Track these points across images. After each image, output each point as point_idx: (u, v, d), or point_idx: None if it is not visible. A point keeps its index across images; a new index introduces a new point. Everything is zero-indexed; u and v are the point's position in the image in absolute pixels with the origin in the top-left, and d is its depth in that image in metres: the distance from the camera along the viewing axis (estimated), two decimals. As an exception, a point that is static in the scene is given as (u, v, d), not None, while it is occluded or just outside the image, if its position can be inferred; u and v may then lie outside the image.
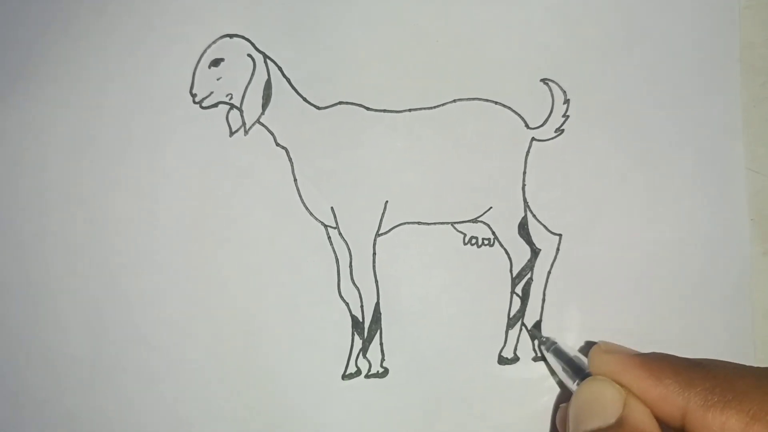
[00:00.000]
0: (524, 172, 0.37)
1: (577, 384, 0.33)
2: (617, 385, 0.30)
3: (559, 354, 0.35)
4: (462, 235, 0.38)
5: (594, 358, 0.32)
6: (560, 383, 0.37)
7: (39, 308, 0.38)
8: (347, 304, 0.37)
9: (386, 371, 0.38)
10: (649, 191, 0.38)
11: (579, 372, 0.33)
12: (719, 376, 0.28)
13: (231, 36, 0.38)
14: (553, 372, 0.37)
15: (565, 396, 0.37)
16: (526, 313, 0.37)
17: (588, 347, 0.35)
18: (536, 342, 0.37)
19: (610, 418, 0.29)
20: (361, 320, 0.37)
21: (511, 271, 0.38)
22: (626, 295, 0.37)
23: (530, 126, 0.37)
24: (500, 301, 0.38)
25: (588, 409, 0.30)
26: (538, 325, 0.37)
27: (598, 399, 0.30)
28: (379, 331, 0.37)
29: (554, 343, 0.36)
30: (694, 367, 0.29)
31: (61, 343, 0.38)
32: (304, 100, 0.37)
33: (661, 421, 0.29)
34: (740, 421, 0.27)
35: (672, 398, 0.28)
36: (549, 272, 0.38)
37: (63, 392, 0.38)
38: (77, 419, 0.38)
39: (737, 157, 0.38)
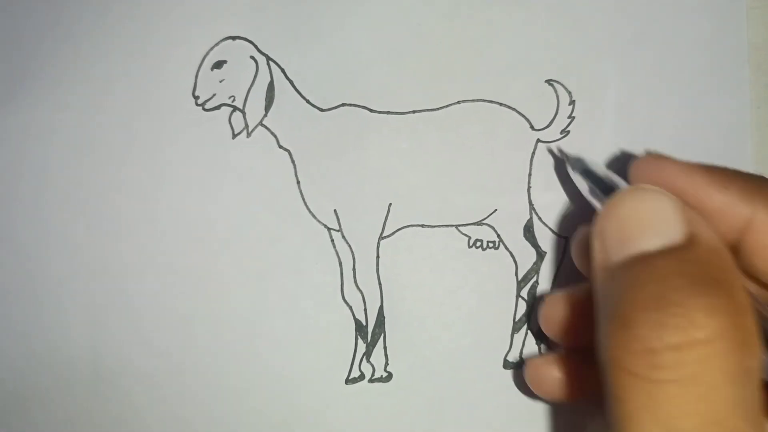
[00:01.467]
0: (529, 174, 0.37)
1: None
2: (673, 196, 0.23)
3: (589, 175, 0.30)
4: (467, 238, 0.37)
5: (639, 166, 0.27)
6: (581, 207, 0.33)
7: (40, 310, 0.38)
8: (351, 308, 0.37)
9: (390, 375, 0.37)
10: (655, 193, 0.37)
11: (609, 192, 0.28)
12: None
13: (234, 38, 0.38)
14: (573, 197, 0.33)
15: None
16: (532, 316, 0.37)
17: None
18: (562, 162, 0.33)
19: (676, 235, 0.22)
20: (364, 324, 0.37)
21: (516, 274, 0.37)
22: (633, 299, 0.37)
23: (535, 127, 0.37)
24: (505, 305, 0.37)
25: (640, 227, 0.22)
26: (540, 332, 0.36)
27: (652, 211, 0.23)
28: (382, 334, 0.37)
29: (581, 160, 0.31)
30: (762, 180, 0.25)
31: (62, 345, 0.37)
32: (307, 102, 0.37)
33: None
34: None
35: (736, 207, 0.24)
36: (555, 275, 0.37)
37: (64, 395, 0.37)
38: (78, 422, 0.37)
39: (745, 158, 0.38)
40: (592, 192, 0.30)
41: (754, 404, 0.20)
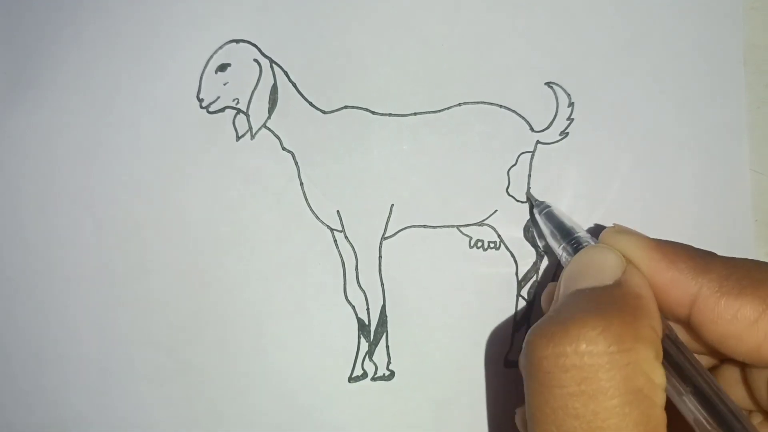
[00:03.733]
0: (529, 175, 0.37)
1: (563, 248, 0.31)
2: (619, 253, 0.27)
3: (551, 218, 0.34)
4: (468, 238, 0.38)
5: (606, 237, 0.30)
6: (546, 248, 0.36)
7: (49, 310, 0.38)
8: (353, 308, 0.38)
9: (392, 374, 0.38)
10: (653, 193, 0.38)
11: (567, 236, 0.32)
12: (737, 266, 0.26)
13: (237, 41, 0.38)
14: (541, 236, 0.36)
15: None
16: (532, 316, 0.38)
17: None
18: (529, 205, 0.36)
19: (608, 280, 0.26)
20: (367, 323, 0.38)
21: (517, 273, 0.38)
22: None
23: (535, 129, 0.37)
24: (506, 304, 0.38)
25: (584, 272, 0.27)
26: None
27: (597, 262, 0.27)
28: (385, 334, 0.38)
29: (548, 206, 0.35)
30: (711, 256, 0.27)
31: (70, 345, 0.38)
32: (310, 104, 0.38)
33: (664, 311, 0.27)
34: (755, 308, 0.24)
35: (684, 283, 0.26)
36: (555, 274, 0.38)
37: (72, 394, 0.38)
38: (86, 420, 0.38)
39: (742, 158, 0.38)
40: (552, 234, 0.33)
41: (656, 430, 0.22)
